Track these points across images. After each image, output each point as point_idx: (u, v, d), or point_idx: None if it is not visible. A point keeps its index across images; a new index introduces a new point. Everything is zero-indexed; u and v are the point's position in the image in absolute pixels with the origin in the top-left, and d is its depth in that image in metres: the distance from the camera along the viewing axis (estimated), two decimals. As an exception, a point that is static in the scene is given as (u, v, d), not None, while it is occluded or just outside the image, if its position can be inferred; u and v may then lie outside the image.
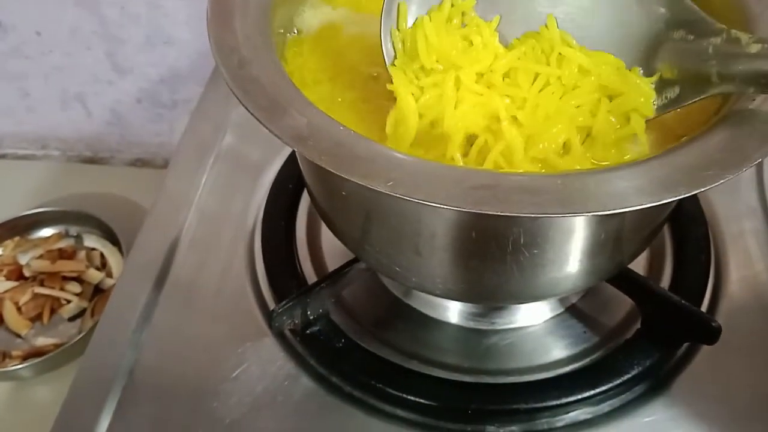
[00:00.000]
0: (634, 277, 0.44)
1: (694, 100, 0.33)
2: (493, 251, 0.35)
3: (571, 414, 0.42)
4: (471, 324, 0.47)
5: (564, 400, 0.41)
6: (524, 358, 0.45)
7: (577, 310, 0.48)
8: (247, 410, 0.43)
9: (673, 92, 0.35)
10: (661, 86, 0.35)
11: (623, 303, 0.47)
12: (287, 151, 0.56)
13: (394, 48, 0.37)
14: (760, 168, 0.56)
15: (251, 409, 0.43)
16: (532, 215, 0.29)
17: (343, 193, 0.38)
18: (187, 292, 0.50)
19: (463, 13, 0.37)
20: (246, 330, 0.47)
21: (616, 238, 0.36)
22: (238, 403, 0.44)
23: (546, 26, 0.37)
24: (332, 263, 0.49)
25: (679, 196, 0.28)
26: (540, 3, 0.37)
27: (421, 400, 0.42)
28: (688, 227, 0.49)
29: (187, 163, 0.58)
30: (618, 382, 0.42)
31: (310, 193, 0.44)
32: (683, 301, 0.41)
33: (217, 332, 0.47)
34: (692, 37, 0.34)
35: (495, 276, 0.37)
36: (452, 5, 0.37)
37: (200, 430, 0.43)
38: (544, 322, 0.47)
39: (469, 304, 0.48)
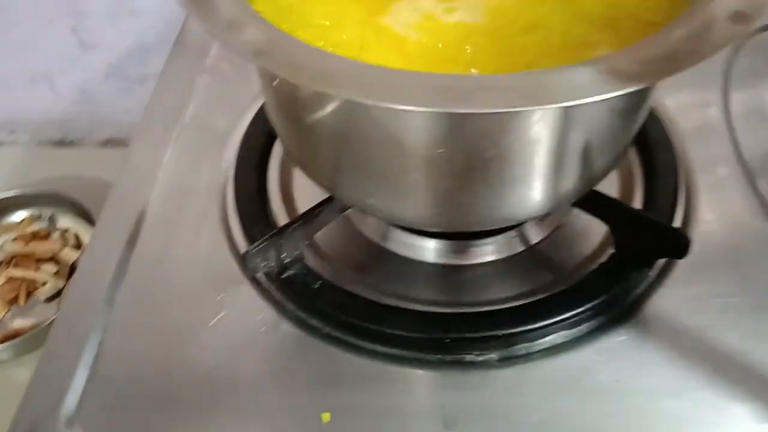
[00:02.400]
0: (605, 198, 0.44)
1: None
2: (461, 167, 0.35)
3: (548, 338, 0.42)
4: (448, 261, 0.48)
5: (540, 324, 0.41)
6: (501, 289, 0.45)
7: (553, 241, 0.48)
8: (225, 357, 0.43)
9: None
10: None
11: (597, 232, 0.47)
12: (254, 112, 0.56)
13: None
14: (726, 92, 0.56)
15: (230, 356, 0.43)
16: (497, 110, 0.29)
17: (308, 121, 0.37)
18: (161, 249, 0.49)
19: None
20: (221, 279, 0.47)
21: (583, 150, 0.36)
22: (217, 351, 0.43)
23: None
24: (305, 208, 0.49)
25: (638, 86, 0.28)
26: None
27: (400, 333, 0.42)
28: (656, 153, 0.50)
29: (155, 126, 0.58)
30: (593, 304, 0.42)
31: (279, 136, 0.43)
32: (652, 217, 0.42)
33: (192, 284, 0.47)
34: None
35: (464, 196, 0.37)
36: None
37: (178, 380, 0.42)
38: (521, 254, 0.47)
39: (445, 242, 0.48)
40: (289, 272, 0.44)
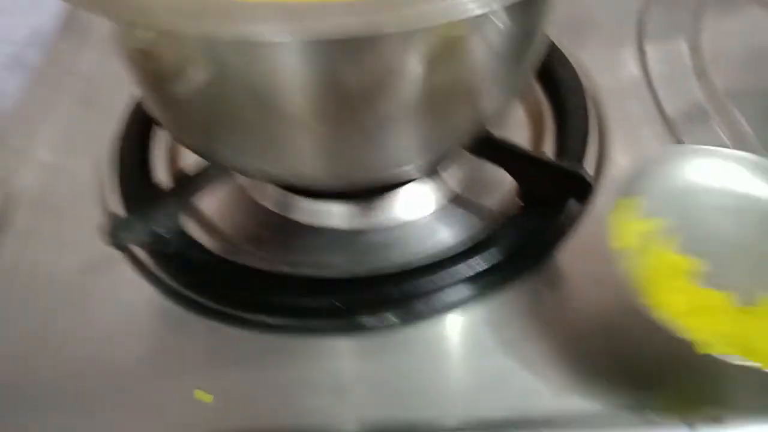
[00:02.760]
0: (499, 142, 0.41)
1: None
2: (327, 109, 0.32)
3: (451, 294, 0.38)
4: (350, 225, 0.44)
5: (439, 284, 0.38)
6: (405, 252, 0.42)
7: (461, 199, 0.44)
8: (101, 346, 0.39)
9: None
10: None
11: (507, 186, 0.44)
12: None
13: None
14: (641, 36, 0.54)
15: (106, 343, 0.39)
16: (356, 30, 0.25)
17: (162, 78, 0.33)
18: (31, 233, 0.45)
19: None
20: (98, 262, 0.42)
21: (463, 82, 0.33)
22: (91, 340, 0.39)
23: None
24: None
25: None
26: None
27: (287, 301, 0.38)
28: (566, 98, 0.47)
29: (32, 106, 0.54)
30: (495, 257, 0.39)
31: (145, 104, 0.39)
32: (549, 159, 0.38)
33: (66, 269, 0.42)
34: None
35: (337, 143, 0.33)
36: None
37: (48, 378, 0.38)
38: (427, 215, 0.44)
39: (351, 205, 0.44)
40: (168, 246, 0.40)
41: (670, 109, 0.49)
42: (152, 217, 0.39)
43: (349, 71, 0.30)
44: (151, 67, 0.34)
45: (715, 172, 0.36)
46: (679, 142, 0.46)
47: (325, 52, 0.29)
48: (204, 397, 0.36)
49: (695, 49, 0.53)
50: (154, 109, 0.38)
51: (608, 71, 0.51)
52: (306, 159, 0.35)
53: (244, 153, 0.35)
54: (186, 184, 0.40)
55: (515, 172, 0.41)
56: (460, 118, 0.35)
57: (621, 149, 0.46)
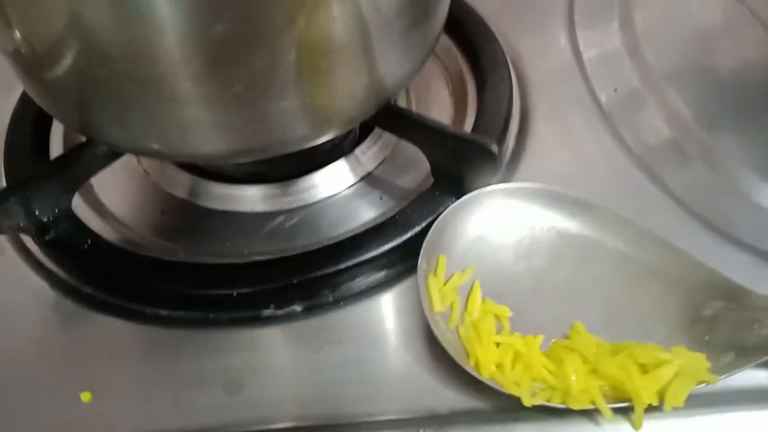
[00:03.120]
0: (404, 113, 0.38)
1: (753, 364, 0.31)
2: (207, 70, 0.29)
3: (358, 280, 0.36)
4: (262, 209, 0.41)
5: (344, 265, 0.36)
6: (316, 234, 0.39)
7: (374, 178, 0.42)
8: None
9: (728, 358, 0.32)
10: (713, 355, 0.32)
11: (425, 165, 0.41)
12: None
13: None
14: (572, 17, 0.51)
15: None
16: None
17: (30, 42, 0.30)
18: None
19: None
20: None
21: (355, 44, 0.30)
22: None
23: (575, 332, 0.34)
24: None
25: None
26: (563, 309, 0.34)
27: (179, 290, 0.36)
28: (488, 72, 0.44)
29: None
30: (405, 236, 0.36)
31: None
32: (454, 130, 0.36)
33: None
34: (733, 305, 0.33)
35: (220, 109, 0.30)
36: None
37: None
38: (338, 195, 0.41)
39: (266, 187, 0.42)
40: (52, 231, 0.37)
41: (602, 92, 0.47)
42: (32, 199, 0.36)
43: (220, 22, 0.27)
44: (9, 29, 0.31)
45: (503, 212, 0.36)
46: (612, 126, 0.44)
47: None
48: (88, 397, 0.33)
49: (627, 30, 0.51)
50: (30, 88, 0.35)
51: (538, 53, 0.48)
52: (189, 130, 0.31)
53: (123, 127, 0.32)
54: (70, 165, 0.37)
55: (422, 144, 0.38)
56: (350, 83, 0.32)
57: (547, 129, 0.44)
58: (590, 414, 0.31)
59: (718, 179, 0.42)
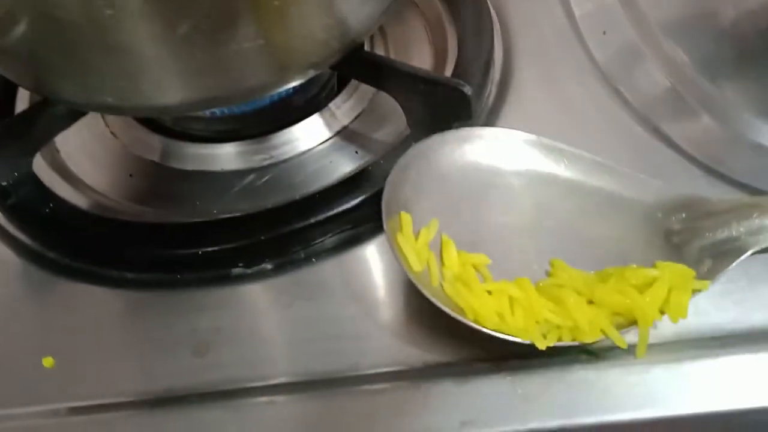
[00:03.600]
0: (373, 58, 0.36)
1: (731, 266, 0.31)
2: (156, 18, 0.27)
3: (331, 235, 0.35)
4: (228, 166, 0.39)
5: (314, 220, 0.34)
6: (289, 191, 0.37)
7: (350, 132, 0.40)
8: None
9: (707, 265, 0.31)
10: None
11: (401, 117, 0.39)
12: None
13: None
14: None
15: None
16: None
17: None
18: None
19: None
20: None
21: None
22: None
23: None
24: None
25: None
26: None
27: (145, 251, 0.34)
28: (469, 20, 0.42)
29: None
30: (378, 188, 0.34)
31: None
32: (424, 72, 0.34)
33: None
34: (695, 214, 0.33)
35: (171, 62, 0.29)
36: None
37: None
38: (312, 150, 0.39)
39: (242, 144, 0.40)
40: (12, 196, 0.36)
41: (592, 38, 0.44)
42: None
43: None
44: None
45: (458, 159, 0.34)
46: (601, 72, 0.42)
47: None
48: (50, 362, 0.32)
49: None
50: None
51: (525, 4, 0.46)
52: (140, 80, 0.30)
53: (74, 82, 0.31)
54: (26, 126, 0.36)
55: (394, 91, 0.36)
56: (307, 22, 0.30)
57: (532, 78, 0.41)
58: (592, 351, 0.30)
59: (720, 126, 0.39)
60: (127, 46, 0.28)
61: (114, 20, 0.27)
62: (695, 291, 0.30)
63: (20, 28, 0.28)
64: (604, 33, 0.44)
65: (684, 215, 0.32)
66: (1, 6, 0.28)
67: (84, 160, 0.41)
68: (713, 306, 0.31)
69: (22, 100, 0.43)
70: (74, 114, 0.37)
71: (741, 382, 0.29)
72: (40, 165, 0.39)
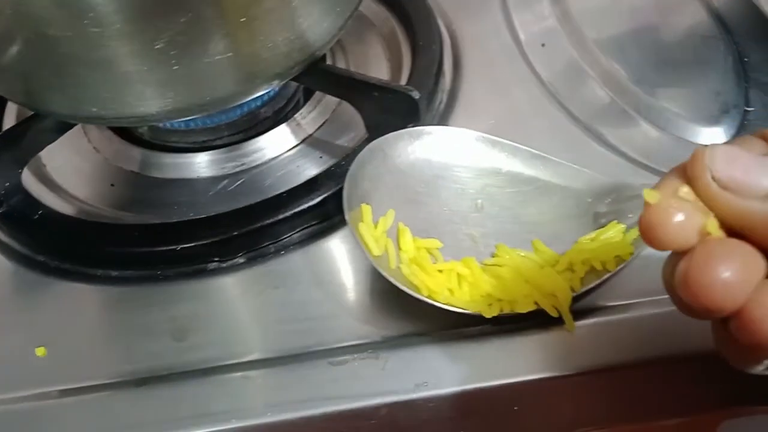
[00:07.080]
0: (330, 69, 0.40)
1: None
2: (137, 35, 0.30)
3: (298, 229, 0.38)
4: (203, 174, 0.43)
5: (282, 216, 0.37)
6: (259, 194, 0.40)
7: (314, 140, 0.44)
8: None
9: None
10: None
11: (361, 125, 0.43)
12: None
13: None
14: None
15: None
16: None
17: None
18: None
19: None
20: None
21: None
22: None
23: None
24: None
25: None
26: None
27: (127, 250, 0.37)
28: (421, 36, 0.46)
29: None
30: (340, 186, 0.38)
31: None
32: (375, 80, 0.38)
33: None
34: (619, 198, 0.36)
35: (150, 75, 0.32)
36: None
37: None
38: (280, 157, 0.43)
39: (215, 153, 0.44)
40: (6, 206, 0.39)
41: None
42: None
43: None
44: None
45: (410, 155, 0.38)
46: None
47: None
48: (43, 351, 0.35)
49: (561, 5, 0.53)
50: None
51: (472, 19, 0.50)
52: (122, 90, 0.33)
53: (61, 93, 0.34)
54: (16, 139, 0.39)
55: (352, 99, 0.40)
56: (271, 37, 0.34)
57: (480, 85, 0.46)
58: (535, 319, 0.34)
59: (658, 131, 0.44)
60: (111, 60, 0.32)
61: (99, 38, 0.31)
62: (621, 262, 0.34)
63: (15, 47, 0.32)
64: (543, 45, 0.48)
65: (610, 199, 0.36)
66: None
67: (69, 172, 0.44)
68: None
69: (9, 116, 0.47)
70: (61, 127, 0.40)
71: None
72: (28, 178, 0.42)
